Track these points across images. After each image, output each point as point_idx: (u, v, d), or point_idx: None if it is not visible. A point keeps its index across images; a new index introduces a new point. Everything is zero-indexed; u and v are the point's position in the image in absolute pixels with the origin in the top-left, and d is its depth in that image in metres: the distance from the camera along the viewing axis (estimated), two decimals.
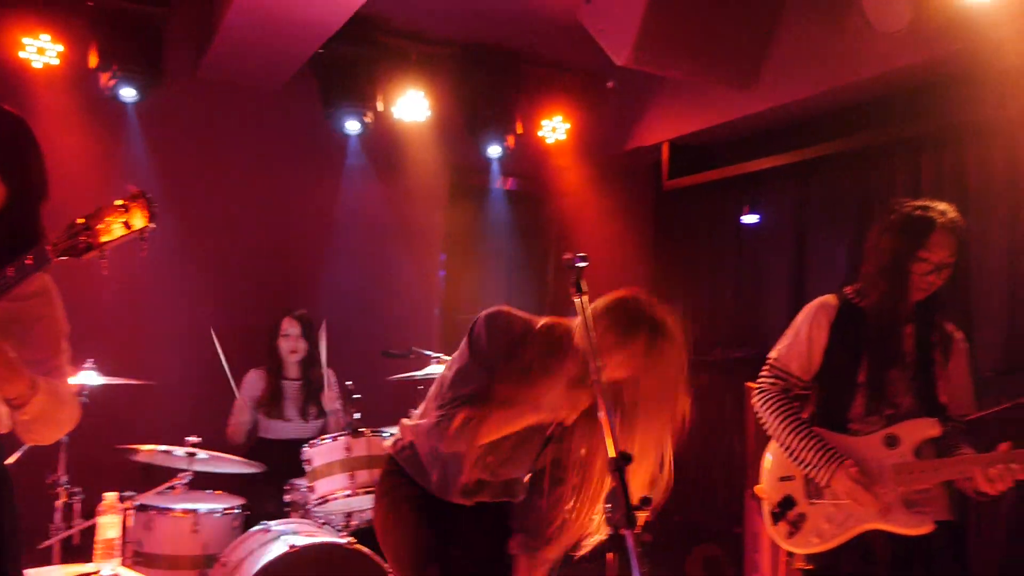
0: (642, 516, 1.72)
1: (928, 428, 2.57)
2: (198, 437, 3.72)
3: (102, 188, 4.32)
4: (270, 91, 5.00)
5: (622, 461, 1.70)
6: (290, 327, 4.42)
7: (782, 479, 2.74)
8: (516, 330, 2.18)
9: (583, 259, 1.92)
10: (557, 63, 5.54)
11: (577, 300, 1.89)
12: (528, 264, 6.16)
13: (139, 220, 1.70)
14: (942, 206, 2.63)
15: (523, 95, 5.42)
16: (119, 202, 1.70)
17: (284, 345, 4.41)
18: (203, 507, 3.69)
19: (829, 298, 2.76)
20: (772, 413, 2.69)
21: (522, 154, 5.62)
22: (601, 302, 2.06)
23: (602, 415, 1.73)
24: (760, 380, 2.78)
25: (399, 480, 2.38)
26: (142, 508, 3.63)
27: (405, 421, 2.45)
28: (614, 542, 1.70)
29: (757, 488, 2.85)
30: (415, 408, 4.10)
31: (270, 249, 5.02)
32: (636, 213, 6.19)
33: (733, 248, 5.70)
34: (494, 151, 5.42)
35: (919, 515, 2.53)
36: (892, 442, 2.59)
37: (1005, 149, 4.19)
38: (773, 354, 2.78)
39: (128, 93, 4.49)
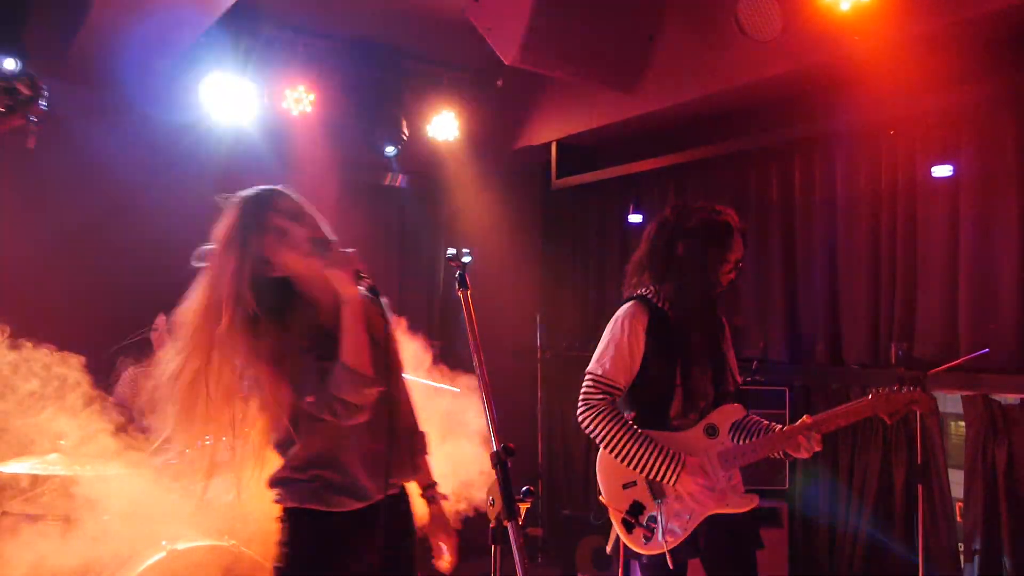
0: (523, 507, 1.75)
1: (735, 413, 2.79)
2: None
3: None
4: None
5: (504, 455, 1.73)
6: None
7: (625, 486, 2.76)
8: None
9: (467, 254, 1.95)
10: (444, 61, 5.53)
11: (461, 295, 1.90)
12: (418, 261, 6.14)
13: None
14: (722, 207, 2.78)
15: (411, 92, 5.38)
16: None
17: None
18: None
19: (638, 306, 2.76)
20: (607, 426, 2.69)
21: (412, 151, 5.58)
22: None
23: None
24: (587, 395, 2.75)
25: None
26: None
27: None
28: (497, 535, 1.73)
29: (601, 498, 2.84)
30: None
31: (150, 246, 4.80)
32: (526, 211, 6.27)
33: (619, 247, 5.85)
34: (384, 148, 5.35)
35: (745, 494, 2.74)
36: (712, 431, 2.76)
37: (868, 154, 4.48)
38: (597, 369, 2.75)
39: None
